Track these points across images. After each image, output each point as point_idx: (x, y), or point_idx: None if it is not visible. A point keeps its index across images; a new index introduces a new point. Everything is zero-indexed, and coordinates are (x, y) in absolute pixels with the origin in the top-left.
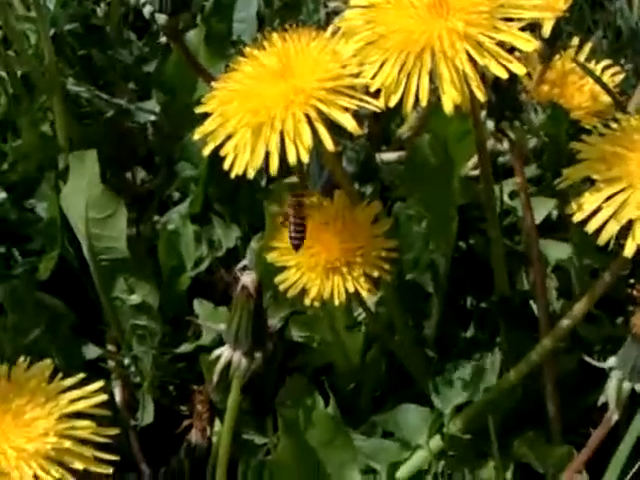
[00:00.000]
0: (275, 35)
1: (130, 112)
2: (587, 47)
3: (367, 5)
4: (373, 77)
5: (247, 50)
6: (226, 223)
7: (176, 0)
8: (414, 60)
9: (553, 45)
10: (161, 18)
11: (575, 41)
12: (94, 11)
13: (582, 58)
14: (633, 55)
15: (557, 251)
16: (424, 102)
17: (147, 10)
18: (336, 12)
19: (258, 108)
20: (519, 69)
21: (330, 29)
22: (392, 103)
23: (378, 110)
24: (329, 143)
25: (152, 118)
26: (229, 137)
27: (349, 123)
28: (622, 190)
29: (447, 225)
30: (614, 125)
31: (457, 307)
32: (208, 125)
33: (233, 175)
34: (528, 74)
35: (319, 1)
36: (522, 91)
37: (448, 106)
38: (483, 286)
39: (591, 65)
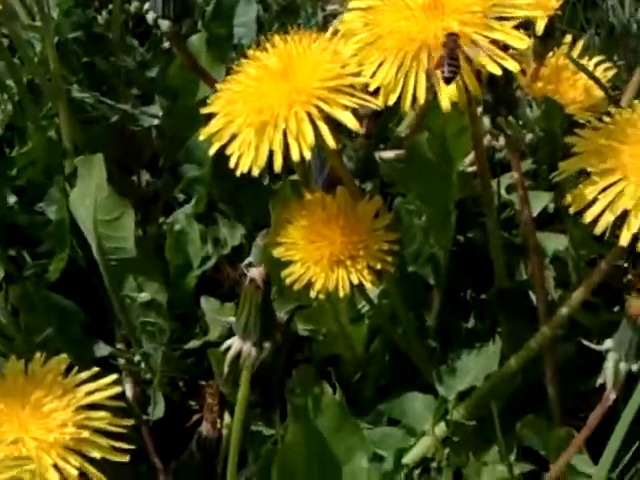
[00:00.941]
0: (277, 37)
1: (134, 116)
2: (580, 44)
3: (365, 7)
4: (372, 76)
5: (250, 52)
6: (231, 222)
7: (178, 6)
8: (411, 59)
9: (546, 42)
10: (164, 24)
11: (568, 38)
12: (96, 19)
13: (575, 55)
14: (625, 51)
15: (554, 242)
16: (421, 100)
17: (150, 16)
18: (334, 15)
19: (262, 108)
20: (513, 66)
21: (330, 30)
22: (391, 101)
23: (378, 108)
24: (330, 140)
25: (155, 122)
26: (234, 137)
27: (350, 121)
28: (617, 182)
29: (446, 219)
30: (607, 119)
31: (458, 299)
32: (213, 126)
33: (238, 173)
34: (522, 71)
35: (317, 4)
36: (517, 88)
37: (445, 103)
38: (483, 278)
39: (584, 61)
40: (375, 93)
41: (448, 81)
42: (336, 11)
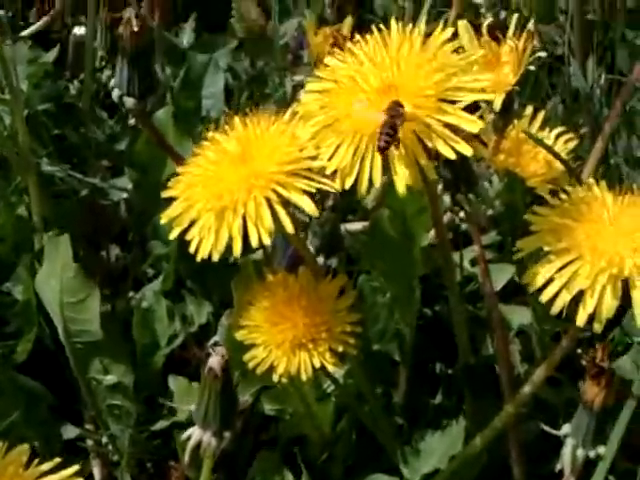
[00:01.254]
0: (236, 119)
1: (103, 190)
2: (540, 115)
3: (321, 90)
4: (329, 159)
5: (210, 135)
6: (198, 300)
7: (143, 83)
8: (367, 142)
9: (505, 117)
10: (129, 102)
11: (529, 110)
12: (68, 89)
13: (536, 126)
14: (588, 118)
15: (519, 316)
16: (377, 184)
17: (115, 94)
18: (302, 85)
19: (221, 192)
20: (466, 150)
21: (288, 113)
22: (347, 185)
23: (335, 191)
24: (289, 226)
25: (125, 195)
26: (194, 222)
27: (307, 206)
28: (572, 261)
29: (411, 296)
30: (564, 196)
31: (425, 374)
32: (174, 209)
33: (199, 258)
34: (484, 143)
35: (284, 75)
36: (479, 161)
37: (401, 186)
38: (450, 352)
39: (545, 132)
40: (334, 174)
41: (382, 150)
42: (304, 81)
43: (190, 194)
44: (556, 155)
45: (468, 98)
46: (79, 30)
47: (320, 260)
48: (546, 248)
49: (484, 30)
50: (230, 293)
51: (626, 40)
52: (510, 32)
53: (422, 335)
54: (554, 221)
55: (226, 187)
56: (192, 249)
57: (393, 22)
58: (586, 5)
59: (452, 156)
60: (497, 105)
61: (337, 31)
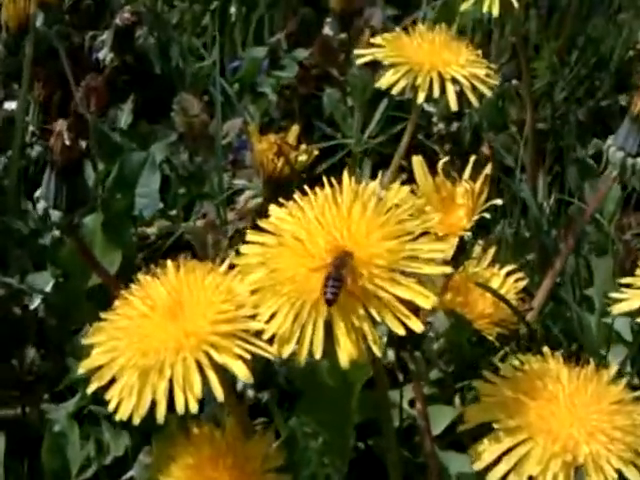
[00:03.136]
0: (168, 264)
1: (22, 291)
2: (490, 252)
3: (262, 243)
4: (268, 322)
5: (139, 278)
6: (115, 429)
7: (72, 196)
8: (309, 309)
9: (457, 260)
10: (55, 215)
11: (478, 249)
12: None
13: (485, 264)
14: (539, 249)
15: (458, 464)
16: (317, 355)
17: (41, 205)
18: (242, 189)
19: (147, 350)
20: (416, 325)
21: (225, 264)
22: (285, 353)
23: (272, 357)
24: (219, 393)
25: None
26: (114, 379)
27: (242, 372)
28: (522, 442)
29: (343, 443)
30: (516, 363)
31: None
32: (93, 360)
33: (117, 419)
34: None
35: (222, 176)
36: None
37: (343, 360)
38: None
39: (495, 269)
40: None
41: (330, 303)
42: (245, 186)
43: (113, 346)
44: (503, 299)
45: (423, 270)
46: (10, 105)
47: (250, 394)
48: (495, 424)
49: (439, 168)
50: (151, 426)
51: (578, 159)
52: (466, 173)
53: (353, 469)
54: (505, 394)
55: (152, 344)
56: (110, 408)
57: (345, 177)
58: (537, 115)
59: (401, 332)
60: (449, 251)
61: (282, 139)
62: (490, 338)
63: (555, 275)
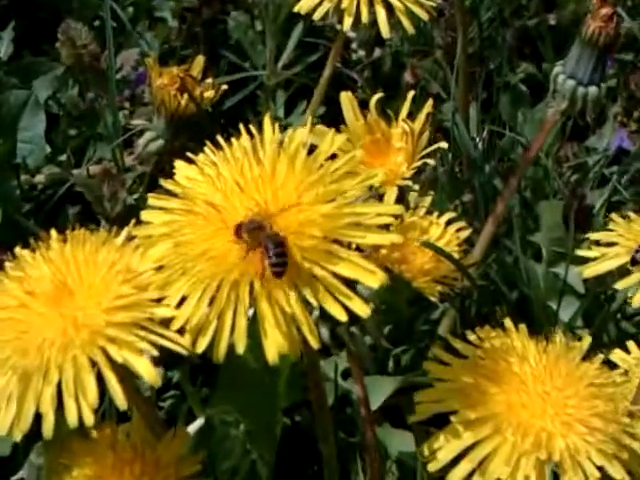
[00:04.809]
0: (53, 235)
1: None
2: (427, 200)
3: (167, 208)
4: (178, 306)
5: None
6: None
7: None
8: (228, 292)
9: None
10: None
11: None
12: None
13: (421, 212)
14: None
15: (399, 442)
16: (241, 349)
17: None
18: (141, 131)
19: (27, 347)
20: (362, 309)
21: (123, 235)
22: (200, 348)
23: (184, 353)
24: (121, 399)
25: None
26: None
27: (146, 371)
28: (486, 438)
29: (270, 430)
30: (473, 337)
31: None
32: None
33: None
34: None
35: (117, 115)
36: None
37: (271, 354)
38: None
39: (434, 217)
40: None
41: (279, 275)
42: (144, 126)
43: None
44: (450, 258)
45: (368, 240)
46: None
47: (160, 372)
48: (452, 417)
49: (372, 105)
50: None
51: (509, 85)
52: (404, 112)
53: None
54: (463, 379)
55: (33, 340)
56: None
57: (267, 123)
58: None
59: (344, 317)
60: (390, 200)
61: (186, 71)
62: (432, 299)
63: (496, 220)
